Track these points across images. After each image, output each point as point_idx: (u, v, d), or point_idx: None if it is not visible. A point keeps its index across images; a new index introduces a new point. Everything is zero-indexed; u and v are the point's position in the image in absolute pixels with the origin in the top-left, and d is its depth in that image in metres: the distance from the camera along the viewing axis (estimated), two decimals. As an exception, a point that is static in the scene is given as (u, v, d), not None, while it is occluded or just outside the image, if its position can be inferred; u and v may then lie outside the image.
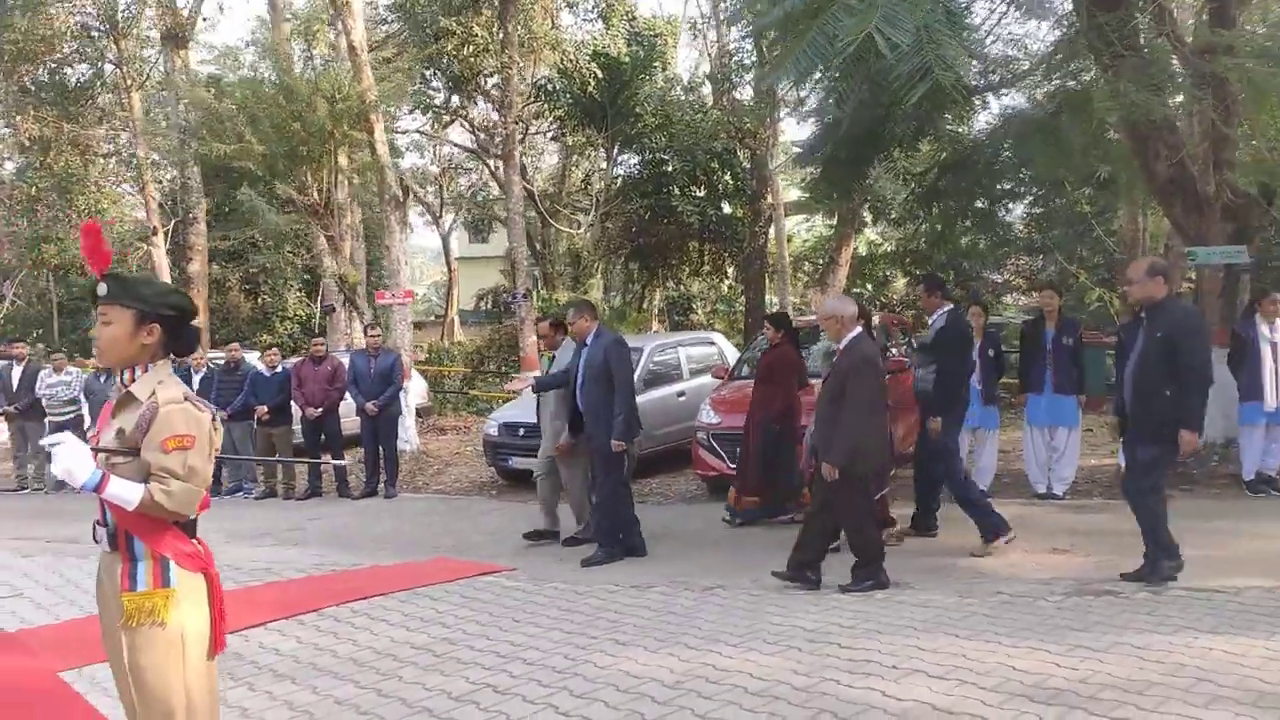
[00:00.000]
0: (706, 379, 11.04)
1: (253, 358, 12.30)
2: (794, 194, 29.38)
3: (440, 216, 34.69)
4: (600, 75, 21.85)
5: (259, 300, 28.06)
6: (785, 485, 7.61)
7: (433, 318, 40.07)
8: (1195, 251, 8.40)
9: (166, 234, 16.95)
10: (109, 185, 19.53)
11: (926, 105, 8.10)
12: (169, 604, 2.46)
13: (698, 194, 25.24)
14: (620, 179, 26.76)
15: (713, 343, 12.25)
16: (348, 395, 9.97)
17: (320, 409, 9.85)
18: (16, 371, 11.45)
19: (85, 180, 19.60)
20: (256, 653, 4.89)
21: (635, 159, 26.58)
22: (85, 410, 11.53)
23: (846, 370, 5.48)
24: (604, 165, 27.42)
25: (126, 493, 2.38)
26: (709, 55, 19.96)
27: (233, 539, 8.15)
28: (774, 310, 21.60)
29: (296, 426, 10.26)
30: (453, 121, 21.61)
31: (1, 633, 5.41)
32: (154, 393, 2.48)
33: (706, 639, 4.57)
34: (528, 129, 25.77)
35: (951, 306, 6.68)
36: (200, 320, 20.96)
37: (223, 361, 10.64)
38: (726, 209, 25.80)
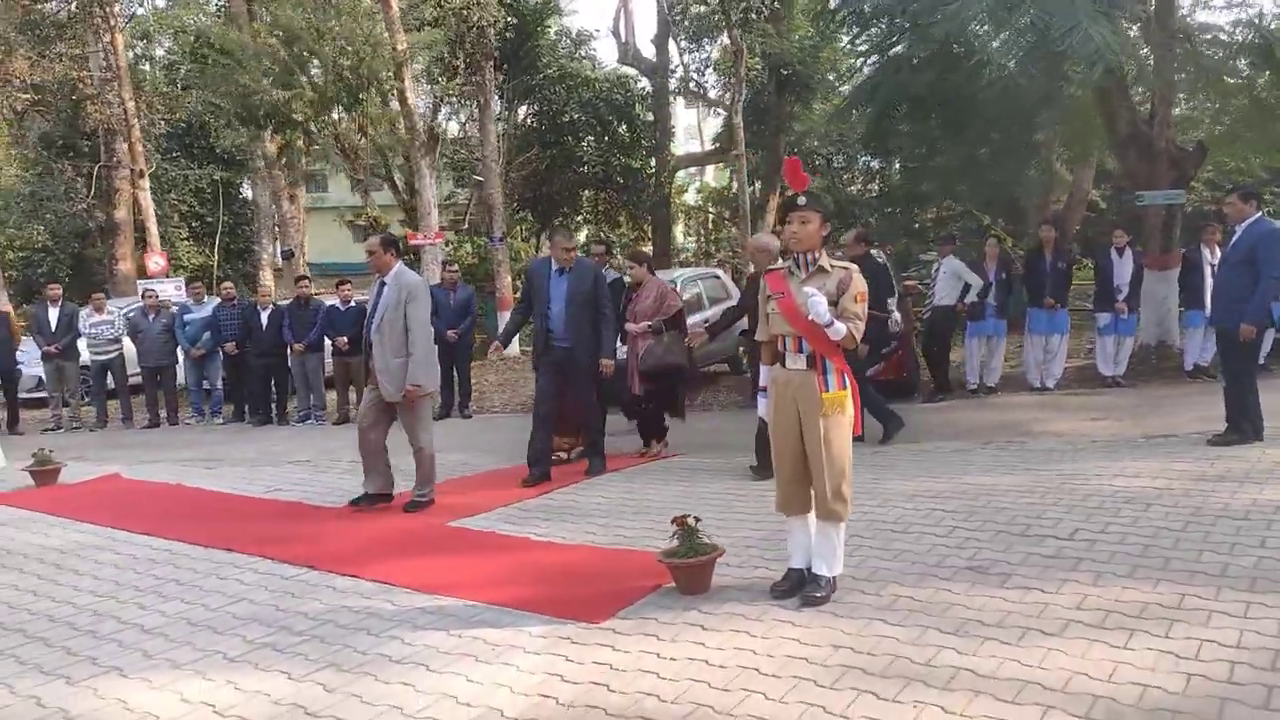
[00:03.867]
0: (723, 307, 12.57)
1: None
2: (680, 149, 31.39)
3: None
4: (510, 22, 22.29)
5: (146, 248, 27.12)
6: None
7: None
8: (1144, 195, 10.66)
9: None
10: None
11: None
12: (846, 399, 3.83)
13: (597, 145, 26.38)
14: (520, 128, 27.37)
15: (718, 276, 13.80)
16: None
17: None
18: (53, 312, 11.55)
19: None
20: (571, 504, 6.05)
21: (534, 109, 27.28)
22: (129, 347, 11.82)
23: None
24: (482, 115, 28.05)
25: (841, 327, 3.72)
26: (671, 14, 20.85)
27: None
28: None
29: (373, 354, 11.06)
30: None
31: (348, 507, 6.24)
32: (834, 266, 3.82)
33: (936, 472, 6.18)
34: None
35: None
36: (129, 267, 20.44)
37: (293, 298, 11.27)
38: (626, 161, 27.03)
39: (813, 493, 3.91)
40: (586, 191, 28.61)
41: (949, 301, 10.05)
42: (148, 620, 4.19)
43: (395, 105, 11.70)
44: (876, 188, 25.90)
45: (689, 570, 4.06)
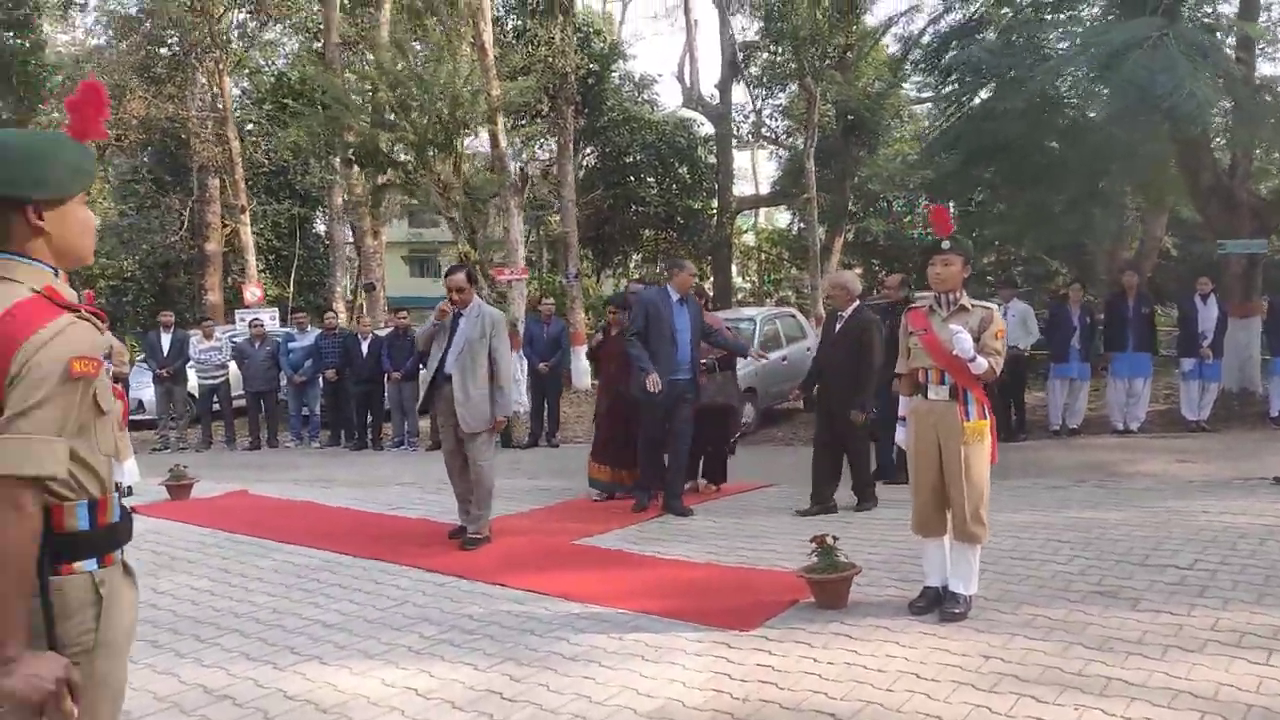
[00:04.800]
0: (799, 345, 12.91)
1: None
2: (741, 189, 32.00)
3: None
4: (592, 69, 22.90)
5: (229, 280, 28.22)
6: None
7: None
8: (1225, 243, 10.80)
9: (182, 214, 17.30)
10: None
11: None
12: (986, 428, 4.11)
13: (659, 186, 26.97)
14: (585, 169, 28.03)
15: (794, 315, 14.12)
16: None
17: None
18: (166, 339, 12.18)
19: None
20: (685, 528, 6.33)
21: (598, 150, 27.97)
22: (233, 372, 12.42)
23: (860, 331, 6.67)
24: (560, 156, 28.88)
25: (983, 362, 4.02)
26: (737, 60, 21.45)
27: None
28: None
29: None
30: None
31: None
32: (974, 305, 4.13)
33: (1040, 507, 6.39)
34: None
35: None
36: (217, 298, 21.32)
37: (391, 329, 11.80)
38: (687, 202, 27.57)
39: (949, 516, 4.19)
40: (647, 231, 29.16)
41: (1021, 343, 10.16)
42: (326, 618, 4.55)
43: (484, 147, 12.29)
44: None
45: (830, 585, 4.34)
